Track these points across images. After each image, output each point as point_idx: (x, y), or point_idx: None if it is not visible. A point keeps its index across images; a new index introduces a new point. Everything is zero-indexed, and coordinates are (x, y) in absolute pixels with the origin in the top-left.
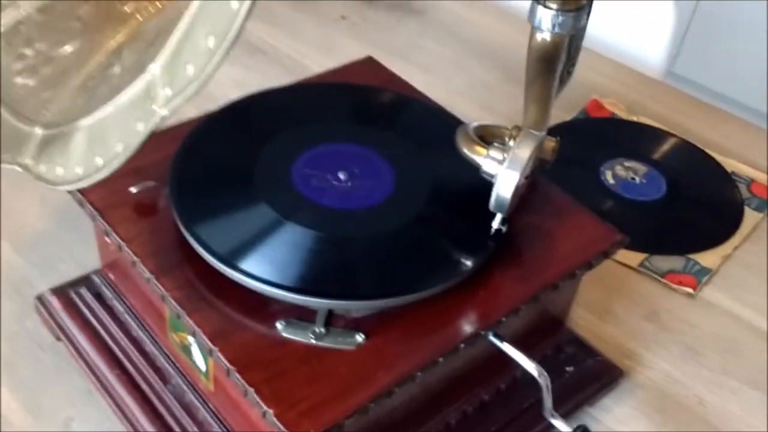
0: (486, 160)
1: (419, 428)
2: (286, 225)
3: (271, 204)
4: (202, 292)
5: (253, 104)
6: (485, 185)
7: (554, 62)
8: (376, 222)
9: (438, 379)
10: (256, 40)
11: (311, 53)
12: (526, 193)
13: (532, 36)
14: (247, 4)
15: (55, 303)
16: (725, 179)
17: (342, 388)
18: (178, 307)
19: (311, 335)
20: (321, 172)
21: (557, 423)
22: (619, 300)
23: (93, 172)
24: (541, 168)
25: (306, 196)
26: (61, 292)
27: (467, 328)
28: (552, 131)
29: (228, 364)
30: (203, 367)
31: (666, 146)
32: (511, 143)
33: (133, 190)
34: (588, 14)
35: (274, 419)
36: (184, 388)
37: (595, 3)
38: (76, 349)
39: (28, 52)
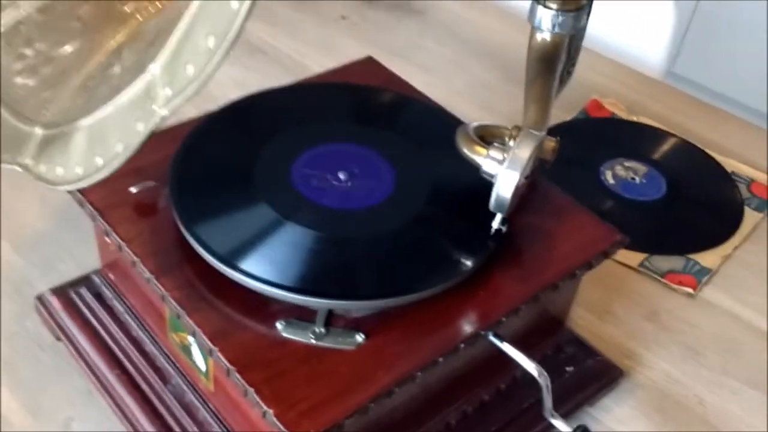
0: (486, 160)
1: (419, 428)
2: (286, 225)
3: (271, 204)
4: (202, 292)
5: (253, 104)
6: (485, 185)
7: (554, 62)
8: (376, 222)
9: (438, 379)
10: (256, 40)
11: (311, 53)
12: (526, 193)
13: (532, 36)
14: (247, 4)
15: (55, 303)
16: (725, 179)
17: (342, 388)
18: (178, 307)
19: (311, 335)
20: (321, 172)
21: (557, 423)
22: (619, 300)
23: (93, 172)
24: (541, 168)
25: (306, 196)
26: (61, 292)
27: (467, 328)
28: (552, 131)
29: (228, 364)
30: (203, 367)
31: (666, 146)
32: (511, 143)
33: (133, 190)
34: (588, 14)
35: (274, 419)
36: (184, 388)
37: (595, 3)
38: (76, 349)
39: (28, 52)
